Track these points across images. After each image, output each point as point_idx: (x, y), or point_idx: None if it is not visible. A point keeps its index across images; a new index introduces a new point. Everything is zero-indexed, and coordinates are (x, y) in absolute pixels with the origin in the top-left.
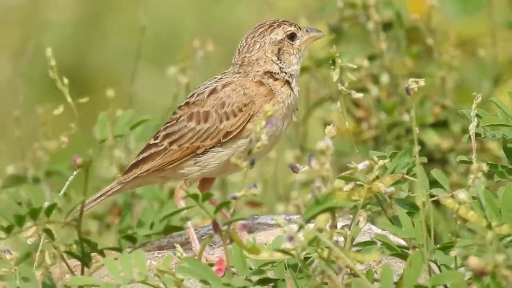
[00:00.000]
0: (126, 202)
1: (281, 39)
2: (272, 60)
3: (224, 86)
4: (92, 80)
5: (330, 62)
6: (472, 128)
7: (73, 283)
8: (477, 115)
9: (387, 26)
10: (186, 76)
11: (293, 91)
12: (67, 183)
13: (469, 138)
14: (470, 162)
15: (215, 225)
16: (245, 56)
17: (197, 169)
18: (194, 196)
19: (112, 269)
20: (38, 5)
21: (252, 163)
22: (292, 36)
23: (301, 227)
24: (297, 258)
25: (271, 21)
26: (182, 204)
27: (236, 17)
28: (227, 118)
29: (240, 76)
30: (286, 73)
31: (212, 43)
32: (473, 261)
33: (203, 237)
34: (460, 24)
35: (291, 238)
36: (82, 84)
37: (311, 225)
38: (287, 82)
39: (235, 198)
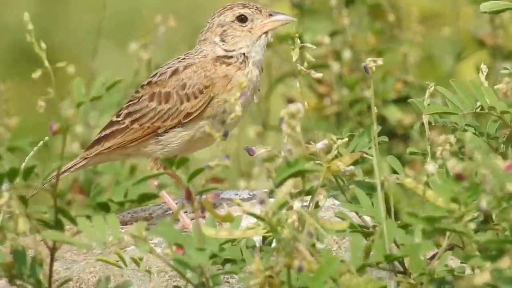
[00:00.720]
0: (87, 179)
1: (229, 21)
2: (214, 41)
3: (185, 67)
4: (55, 58)
5: (290, 41)
6: (425, 117)
7: (49, 236)
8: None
9: (349, 2)
10: (147, 52)
11: (247, 75)
12: (29, 154)
13: (422, 125)
14: (420, 154)
15: (188, 194)
16: (199, 36)
17: (160, 148)
18: (169, 161)
19: (87, 231)
20: None
21: (225, 134)
22: (242, 19)
23: (272, 190)
24: (267, 223)
25: (229, 4)
26: (155, 183)
27: None
28: (188, 100)
29: (200, 57)
30: (237, 58)
31: (174, 20)
32: (453, 164)
33: (166, 213)
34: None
35: (262, 201)
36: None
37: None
38: (241, 68)
39: (209, 167)
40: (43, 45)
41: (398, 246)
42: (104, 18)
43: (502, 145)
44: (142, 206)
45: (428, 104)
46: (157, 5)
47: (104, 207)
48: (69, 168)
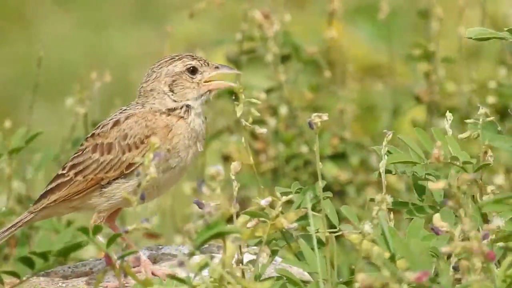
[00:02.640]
0: (23, 233)
1: (179, 72)
2: (163, 91)
3: (127, 117)
4: None
5: (233, 97)
6: (382, 165)
7: None
8: (387, 151)
9: (285, 58)
10: (84, 107)
11: (189, 125)
12: None
13: (379, 174)
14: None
15: (108, 259)
16: (142, 86)
17: (104, 200)
18: (84, 230)
19: None
20: None
21: (142, 198)
22: (192, 70)
23: (192, 253)
24: (188, 285)
25: (176, 54)
26: (100, 239)
27: (126, 49)
28: (130, 150)
29: (141, 108)
30: (179, 108)
31: (101, 74)
32: (362, 277)
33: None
34: (367, 51)
35: (181, 263)
36: None
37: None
38: (181, 117)
39: (126, 231)
40: None
41: None
42: (29, 72)
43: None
44: (83, 261)
45: (388, 153)
46: (84, 60)
47: (27, 262)
48: (16, 224)
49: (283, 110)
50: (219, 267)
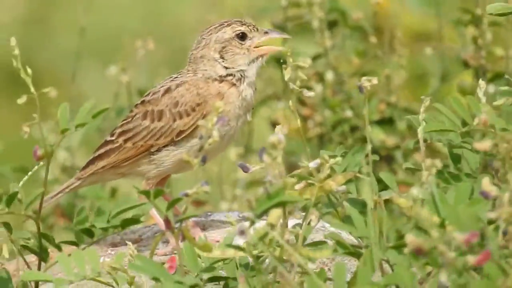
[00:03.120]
0: (69, 203)
1: (229, 38)
2: (214, 58)
3: (178, 85)
4: (38, 80)
5: (281, 61)
6: (420, 132)
7: (27, 277)
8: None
9: (332, 24)
10: (127, 75)
11: (241, 93)
12: (25, 176)
13: (417, 141)
14: (417, 170)
15: (167, 222)
16: (192, 53)
17: (153, 167)
18: (145, 193)
19: (65, 265)
20: None
21: (203, 160)
22: (242, 36)
23: (252, 222)
24: (248, 254)
25: (225, 20)
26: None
27: (181, 16)
28: (180, 117)
29: (193, 75)
30: (232, 75)
31: (155, 43)
32: (411, 239)
33: (156, 234)
34: (416, 18)
35: (242, 232)
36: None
37: (262, 223)
38: (234, 85)
39: (186, 195)
40: (29, 70)
41: (391, 267)
42: (86, 40)
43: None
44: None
45: (425, 121)
46: (140, 28)
47: (87, 233)
48: (63, 190)
49: (330, 76)
50: (275, 233)
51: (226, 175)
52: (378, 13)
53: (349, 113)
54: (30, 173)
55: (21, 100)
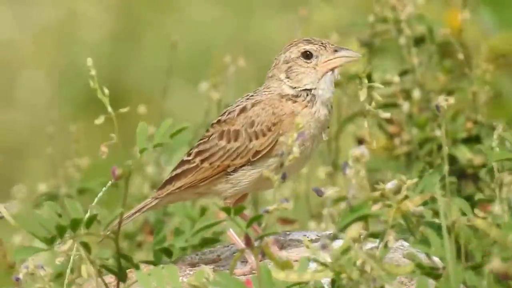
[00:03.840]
0: (158, 220)
1: (295, 57)
2: (280, 78)
3: (253, 104)
4: (127, 97)
5: (357, 81)
6: (490, 161)
7: None
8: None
9: (419, 41)
10: (218, 91)
11: (314, 114)
12: (97, 197)
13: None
14: (490, 201)
15: (247, 240)
16: (267, 73)
17: (230, 186)
18: (226, 210)
19: (145, 284)
20: (73, 24)
21: (283, 177)
22: (307, 55)
23: (335, 236)
24: (331, 268)
25: (296, 40)
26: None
27: (270, 32)
28: (256, 137)
29: (268, 94)
30: (300, 96)
31: (244, 59)
32: (496, 263)
33: (234, 254)
34: (496, 38)
35: (324, 247)
36: (117, 101)
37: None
38: (307, 105)
39: (267, 212)
40: (106, 91)
41: None
42: (175, 57)
43: None
44: (210, 248)
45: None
46: (226, 44)
47: (166, 253)
48: (141, 209)
49: (416, 93)
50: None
51: (313, 194)
52: (462, 30)
53: (437, 132)
54: (100, 194)
55: (99, 120)
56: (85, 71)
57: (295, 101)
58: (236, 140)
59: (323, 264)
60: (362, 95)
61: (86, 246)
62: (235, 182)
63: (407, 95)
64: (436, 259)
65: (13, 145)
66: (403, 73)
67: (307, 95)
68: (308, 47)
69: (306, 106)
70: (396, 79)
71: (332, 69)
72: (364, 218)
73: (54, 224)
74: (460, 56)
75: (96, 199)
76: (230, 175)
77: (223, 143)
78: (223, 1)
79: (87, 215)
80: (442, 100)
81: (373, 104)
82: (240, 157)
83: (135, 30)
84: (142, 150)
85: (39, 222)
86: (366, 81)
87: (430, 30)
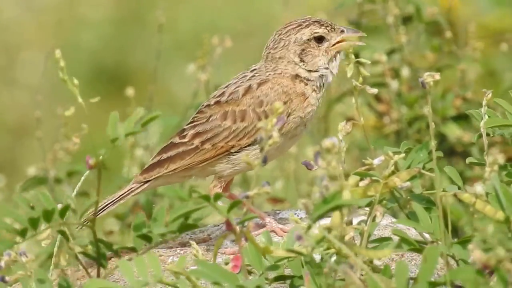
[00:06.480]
0: (147, 201)
1: (307, 40)
2: (294, 61)
3: (260, 84)
4: (131, 77)
5: (344, 57)
6: (482, 126)
7: (89, 286)
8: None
9: (407, 20)
10: (205, 73)
11: (318, 100)
12: (79, 183)
13: (480, 135)
14: (480, 164)
15: (228, 224)
16: (269, 52)
17: (229, 167)
18: (205, 197)
19: (126, 272)
20: (74, 4)
21: (264, 161)
22: (319, 38)
23: (309, 226)
24: (307, 257)
25: (302, 20)
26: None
27: (268, 12)
28: (266, 117)
29: (273, 73)
30: (313, 80)
31: (242, 39)
32: (477, 254)
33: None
34: (491, 16)
35: (299, 237)
36: (121, 81)
37: (324, 222)
38: (315, 90)
39: (247, 197)
40: (76, 81)
41: (457, 262)
42: (177, 37)
43: None
44: (201, 227)
45: (488, 116)
46: (232, 25)
47: (145, 238)
48: (125, 195)
49: (405, 71)
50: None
51: (303, 173)
52: (452, 9)
53: (426, 110)
54: (80, 182)
55: (69, 112)
56: (88, 50)
57: (306, 84)
58: (243, 120)
59: (300, 254)
60: (349, 71)
61: (63, 233)
62: (236, 163)
63: (396, 74)
64: (426, 235)
65: (15, 125)
66: (391, 52)
67: (318, 80)
68: (320, 30)
69: (314, 91)
70: (384, 57)
71: (339, 52)
72: (337, 208)
73: (26, 217)
74: (448, 34)
75: (78, 185)
76: (232, 155)
77: (227, 123)
78: None
79: (60, 205)
80: (427, 76)
81: (361, 79)
82: (247, 137)
83: (137, 9)
84: (113, 139)
85: (12, 216)
86: (352, 56)
87: (417, 9)
